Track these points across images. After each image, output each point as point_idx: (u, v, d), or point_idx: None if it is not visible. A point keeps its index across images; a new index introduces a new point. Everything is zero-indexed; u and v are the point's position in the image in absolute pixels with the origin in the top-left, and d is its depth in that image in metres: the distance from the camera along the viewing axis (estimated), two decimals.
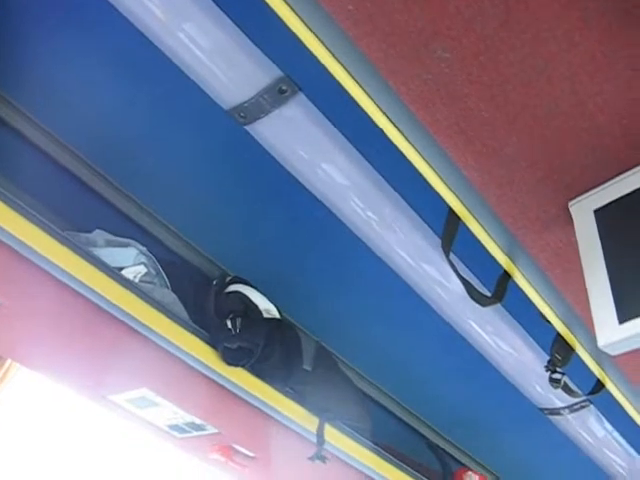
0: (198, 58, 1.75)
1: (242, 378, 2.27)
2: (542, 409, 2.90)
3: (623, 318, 1.49)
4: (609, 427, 3.05)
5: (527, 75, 1.40)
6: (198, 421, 2.43)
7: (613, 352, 1.57)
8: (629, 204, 1.56)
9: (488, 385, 2.89)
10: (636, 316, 1.47)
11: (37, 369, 2.37)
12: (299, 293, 2.64)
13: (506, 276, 1.94)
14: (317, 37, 1.47)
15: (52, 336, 2.13)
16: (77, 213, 2.25)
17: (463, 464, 3.68)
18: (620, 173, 1.59)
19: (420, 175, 1.71)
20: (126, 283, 2.02)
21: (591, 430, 3.02)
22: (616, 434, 3.11)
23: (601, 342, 1.53)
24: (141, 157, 2.27)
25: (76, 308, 1.97)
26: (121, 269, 2.10)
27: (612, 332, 1.51)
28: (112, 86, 2.09)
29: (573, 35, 1.34)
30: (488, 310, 2.34)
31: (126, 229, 2.33)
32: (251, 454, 2.62)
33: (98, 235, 2.21)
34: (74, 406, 2.96)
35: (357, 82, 1.53)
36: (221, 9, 1.70)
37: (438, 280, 2.26)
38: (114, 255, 2.14)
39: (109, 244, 2.20)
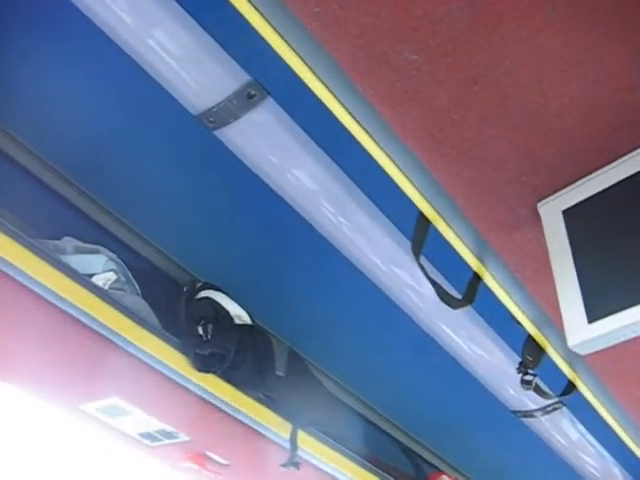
0: (167, 63, 1.74)
1: (214, 385, 2.25)
2: (515, 411, 2.91)
3: (592, 318, 1.51)
4: (582, 429, 3.07)
5: (494, 76, 1.41)
6: (170, 429, 2.41)
7: (583, 352, 1.58)
8: (597, 204, 1.58)
9: (461, 388, 2.90)
10: (605, 315, 1.49)
11: (5, 379, 2.34)
12: (271, 299, 2.63)
13: (476, 278, 1.95)
14: (285, 40, 1.47)
15: (21, 345, 2.10)
16: (45, 220, 2.22)
17: (437, 468, 3.68)
18: (587, 174, 1.61)
19: (390, 178, 1.71)
20: (96, 290, 2.00)
21: (564, 432, 3.04)
22: (589, 436, 3.13)
23: (571, 342, 1.54)
24: (110, 163, 2.25)
25: (45, 316, 1.94)
26: (91, 276, 2.08)
27: (582, 332, 1.52)
28: (79, 91, 2.07)
29: (539, 36, 1.35)
30: (460, 313, 2.35)
31: (95, 236, 2.30)
32: (224, 461, 2.60)
33: (67, 242, 2.18)
34: (47, 418, 2.93)
35: (325, 85, 1.53)
36: (189, 14, 1.70)
37: (410, 284, 2.26)
38: (83, 262, 2.12)
39: (78, 251, 2.17)
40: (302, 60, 1.49)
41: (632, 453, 2.90)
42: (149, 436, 2.49)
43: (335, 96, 1.55)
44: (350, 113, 1.57)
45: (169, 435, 2.46)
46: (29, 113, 2.15)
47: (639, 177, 1.53)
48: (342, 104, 1.55)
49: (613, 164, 1.58)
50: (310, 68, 1.50)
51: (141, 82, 1.81)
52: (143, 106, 2.09)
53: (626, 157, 1.56)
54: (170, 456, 2.66)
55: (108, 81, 2.07)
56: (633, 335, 1.51)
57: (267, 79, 1.77)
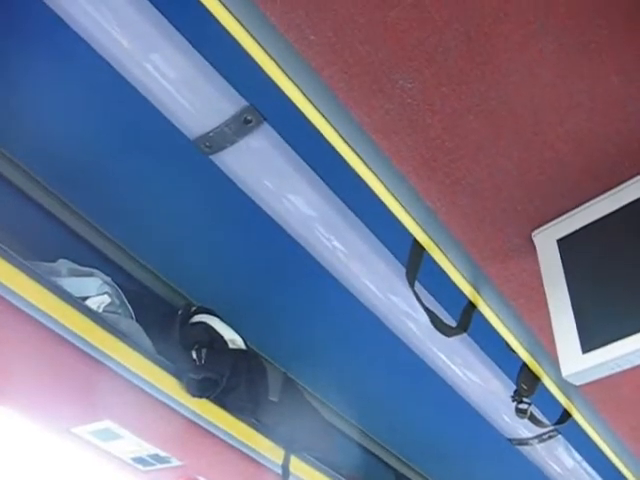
0: (164, 88, 1.75)
1: (207, 409, 2.24)
2: (510, 439, 2.89)
3: (587, 348, 1.50)
4: (578, 457, 3.06)
5: (489, 106, 1.41)
6: (162, 453, 2.39)
7: (577, 382, 1.57)
8: (591, 233, 1.58)
9: (456, 415, 2.89)
10: (600, 346, 1.48)
11: None
12: (265, 324, 2.62)
13: (471, 306, 1.95)
14: (280, 67, 1.47)
15: (13, 367, 2.09)
16: (40, 242, 2.22)
17: None
18: (582, 203, 1.61)
19: (384, 205, 1.71)
20: (90, 313, 1.99)
21: (560, 460, 3.02)
22: (585, 464, 3.11)
23: (565, 372, 1.53)
24: (106, 185, 2.25)
25: (38, 339, 1.93)
26: (85, 299, 2.07)
27: (576, 362, 1.51)
28: (75, 112, 2.07)
29: (533, 67, 1.36)
30: (455, 341, 2.35)
31: (90, 258, 2.29)
32: None
33: (61, 264, 2.17)
34: (38, 442, 2.91)
35: (320, 112, 1.53)
36: (187, 40, 1.71)
37: (404, 311, 2.26)
38: (78, 285, 2.11)
39: (72, 274, 2.16)
40: (297, 87, 1.49)
41: None
42: (141, 460, 2.47)
43: (330, 123, 1.55)
44: (345, 140, 1.57)
45: (162, 460, 2.44)
46: (24, 134, 2.15)
47: (634, 206, 1.53)
48: (337, 131, 1.56)
49: (608, 193, 1.58)
50: (305, 95, 1.51)
51: (138, 106, 1.82)
52: (139, 129, 2.09)
53: (621, 186, 1.56)
54: None
55: (105, 103, 2.08)
56: (628, 365, 1.50)
57: (263, 105, 1.78)
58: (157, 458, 2.43)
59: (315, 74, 1.42)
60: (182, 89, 1.76)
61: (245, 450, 2.38)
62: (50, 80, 2.03)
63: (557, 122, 1.44)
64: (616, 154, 1.51)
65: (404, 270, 1.91)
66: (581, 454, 3.05)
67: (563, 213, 1.63)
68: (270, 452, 2.43)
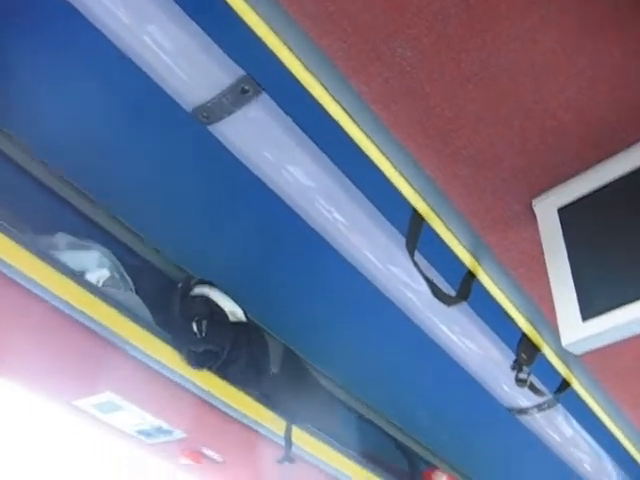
0: (161, 59, 1.74)
1: (208, 382, 2.25)
2: (510, 409, 2.91)
3: (586, 316, 1.50)
4: (576, 426, 3.07)
5: (489, 74, 1.40)
6: (166, 426, 2.41)
7: (577, 351, 1.58)
8: (592, 202, 1.57)
9: (456, 385, 2.90)
10: (599, 314, 1.48)
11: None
12: (266, 296, 2.62)
13: (471, 275, 1.95)
14: (278, 36, 1.46)
15: (14, 341, 2.10)
16: (39, 216, 2.21)
17: (432, 464, 3.68)
18: (583, 171, 1.60)
19: (384, 175, 1.71)
20: (89, 287, 2.00)
21: (559, 429, 3.04)
22: (583, 433, 3.13)
23: (565, 341, 1.53)
24: (104, 159, 2.24)
25: (38, 312, 1.94)
26: (84, 273, 2.07)
27: (576, 331, 1.52)
28: (72, 87, 2.06)
29: (535, 34, 1.34)
30: (455, 310, 2.35)
31: (89, 232, 2.29)
32: (220, 458, 2.60)
33: (60, 238, 2.17)
34: (42, 415, 2.93)
35: (319, 81, 1.52)
36: (184, 11, 1.69)
37: (404, 281, 2.26)
38: (77, 258, 2.11)
39: (71, 247, 2.16)
40: (296, 56, 1.48)
41: (626, 450, 2.90)
42: (145, 433, 2.49)
43: (329, 93, 1.54)
44: (344, 110, 1.56)
45: (165, 432, 2.46)
46: (22, 110, 2.14)
47: (635, 174, 1.52)
48: (336, 100, 1.55)
49: (608, 161, 1.57)
50: (304, 64, 1.49)
51: (135, 78, 1.80)
52: (137, 102, 2.08)
53: (622, 154, 1.55)
54: (166, 452, 2.66)
55: (101, 77, 2.06)
56: (627, 334, 1.50)
57: (261, 75, 1.76)
58: (160, 430, 2.45)
59: (313, 43, 1.41)
60: (179, 60, 1.74)
61: (247, 422, 2.40)
62: (46, 55, 2.02)
63: (558, 90, 1.43)
64: (617, 122, 1.50)
65: (404, 241, 1.90)
66: (580, 423, 3.07)
67: (563, 181, 1.63)
68: (272, 423, 2.44)
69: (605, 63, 1.39)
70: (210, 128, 1.86)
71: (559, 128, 1.51)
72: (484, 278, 1.95)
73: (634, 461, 3.03)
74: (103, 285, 2.11)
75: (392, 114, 1.48)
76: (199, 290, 2.34)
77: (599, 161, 1.58)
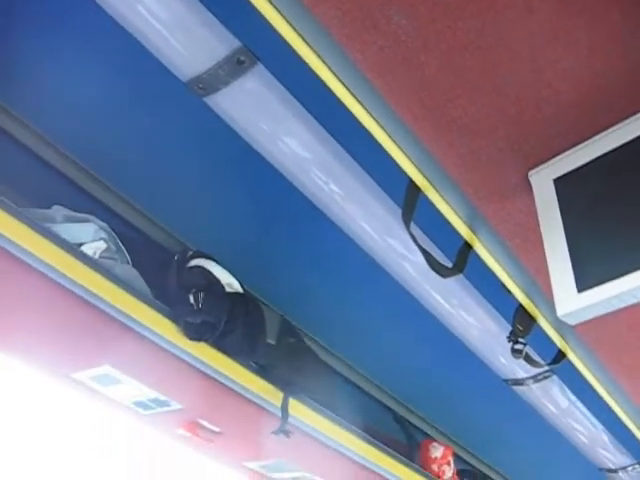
0: (156, 30, 1.73)
1: (205, 353, 2.25)
2: (506, 380, 2.93)
3: (582, 287, 1.51)
4: (572, 397, 3.10)
5: (486, 43, 1.39)
6: (162, 397, 2.42)
7: (572, 321, 1.58)
8: (588, 173, 1.57)
9: (453, 357, 2.92)
10: (595, 285, 1.49)
11: None
12: (262, 267, 2.62)
13: (467, 247, 1.95)
14: (273, 5, 1.45)
15: (11, 314, 2.10)
16: (34, 189, 2.20)
17: (429, 435, 3.71)
18: (579, 142, 1.60)
19: (380, 146, 1.70)
20: (86, 259, 1.99)
21: (554, 400, 3.06)
22: (579, 404, 3.15)
23: (560, 311, 1.54)
24: (99, 131, 2.23)
25: (35, 285, 1.94)
26: (80, 245, 2.07)
27: (571, 301, 1.52)
28: (68, 58, 2.05)
29: (531, 2, 1.33)
30: (451, 282, 2.35)
31: (85, 204, 2.28)
32: (217, 429, 2.62)
33: (56, 211, 2.16)
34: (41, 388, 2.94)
35: (314, 51, 1.51)
36: None
37: (401, 252, 2.26)
38: (73, 231, 2.10)
39: (68, 220, 2.15)
40: (290, 25, 1.47)
41: (620, 420, 2.92)
42: (142, 404, 2.50)
43: (324, 62, 1.53)
44: (340, 80, 1.55)
45: (162, 403, 2.47)
46: (16, 81, 2.12)
47: (632, 145, 1.52)
48: (332, 70, 1.53)
49: (605, 132, 1.57)
50: (298, 33, 1.48)
51: (131, 49, 1.79)
52: (133, 73, 2.07)
53: (619, 125, 1.55)
54: (163, 424, 2.67)
55: (97, 48, 2.05)
56: (623, 305, 1.51)
57: (256, 45, 1.75)
58: (157, 401, 2.46)
59: (307, 11, 1.39)
60: (174, 31, 1.73)
61: (244, 393, 2.41)
62: (40, 25, 2.00)
63: (554, 59, 1.42)
64: (614, 92, 1.49)
65: (400, 211, 1.90)
66: (575, 394, 3.09)
67: (560, 153, 1.62)
68: (269, 394, 2.45)
69: (602, 32, 1.38)
70: (206, 100, 1.85)
71: (555, 98, 1.50)
72: (480, 249, 1.95)
73: (629, 431, 3.05)
74: (100, 257, 2.10)
75: (387, 83, 1.47)
76: (195, 262, 2.33)
77: (596, 132, 1.57)
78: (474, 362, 2.80)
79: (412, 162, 1.71)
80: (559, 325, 2.25)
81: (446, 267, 1.97)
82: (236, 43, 1.74)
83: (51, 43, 2.03)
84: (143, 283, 2.19)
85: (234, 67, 1.76)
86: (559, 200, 1.59)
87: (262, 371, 2.44)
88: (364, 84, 1.50)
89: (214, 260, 2.37)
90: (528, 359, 2.41)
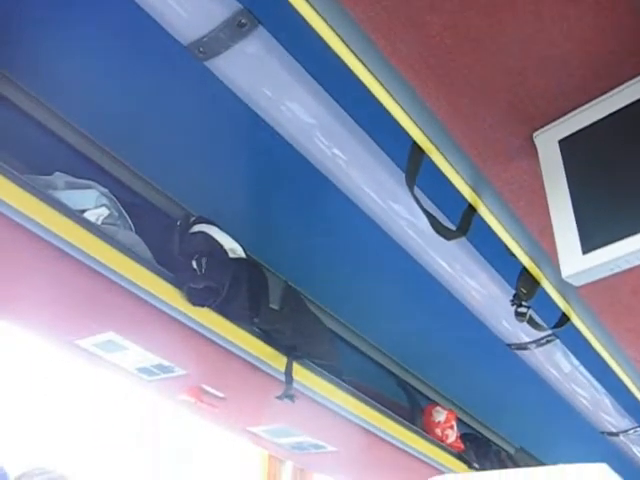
0: None
1: (208, 318, 2.26)
2: (509, 344, 2.93)
3: (587, 248, 1.50)
4: (575, 361, 3.11)
5: (490, 1, 1.36)
6: (166, 363, 2.43)
7: (577, 283, 1.58)
8: (593, 134, 1.55)
9: (456, 321, 2.92)
10: (600, 246, 1.48)
11: (1, 318, 2.34)
12: (265, 232, 2.62)
13: (471, 209, 1.93)
14: None
15: (14, 282, 2.10)
16: (35, 156, 2.19)
17: (432, 400, 3.74)
18: (585, 102, 1.58)
19: (383, 108, 1.68)
20: (88, 225, 1.99)
21: (557, 364, 3.07)
22: (582, 368, 3.17)
23: (565, 273, 1.54)
24: (100, 97, 2.21)
25: (37, 252, 1.94)
26: (83, 212, 2.07)
27: (576, 262, 1.52)
28: (67, 25, 2.02)
29: None
30: (454, 246, 2.35)
31: (87, 171, 2.27)
32: (221, 394, 2.63)
33: (58, 178, 2.15)
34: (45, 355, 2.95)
35: (317, 12, 1.48)
36: None
37: (405, 218, 2.26)
38: (75, 197, 2.10)
39: (69, 186, 2.15)
40: None
41: (624, 384, 2.93)
42: (146, 370, 2.51)
43: (327, 24, 1.50)
44: (342, 40, 1.52)
45: (165, 369, 2.48)
46: (17, 50, 2.10)
47: (638, 105, 1.50)
48: (334, 31, 1.51)
49: (612, 92, 1.54)
50: None
51: (129, 12, 1.77)
52: (132, 37, 2.04)
53: (625, 84, 1.52)
54: (167, 390, 2.69)
55: (95, 13, 2.02)
56: (627, 266, 1.50)
57: (258, 8, 1.72)
58: (161, 368, 2.47)
59: None
60: None
61: (248, 358, 2.42)
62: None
63: (561, 17, 1.39)
64: (621, 51, 1.47)
65: (403, 176, 1.89)
66: (579, 359, 3.10)
67: (565, 113, 1.60)
68: (272, 359, 2.46)
69: None
70: (207, 64, 1.83)
71: (561, 58, 1.48)
72: (484, 212, 1.94)
73: (631, 395, 3.07)
74: (102, 224, 2.10)
75: (390, 43, 1.45)
76: (198, 228, 2.33)
77: (602, 92, 1.55)
78: (477, 326, 2.81)
79: (416, 124, 1.70)
80: (563, 288, 2.25)
81: (450, 229, 1.96)
82: (237, 5, 1.72)
83: (47, 8, 2.00)
84: (146, 249, 2.19)
85: (235, 30, 1.74)
86: (564, 161, 1.57)
87: (266, 336, 2.44)
88: (368, 45, 1.48)
89: (217, 226, 2.37)
90: (532, 322, 2.42)
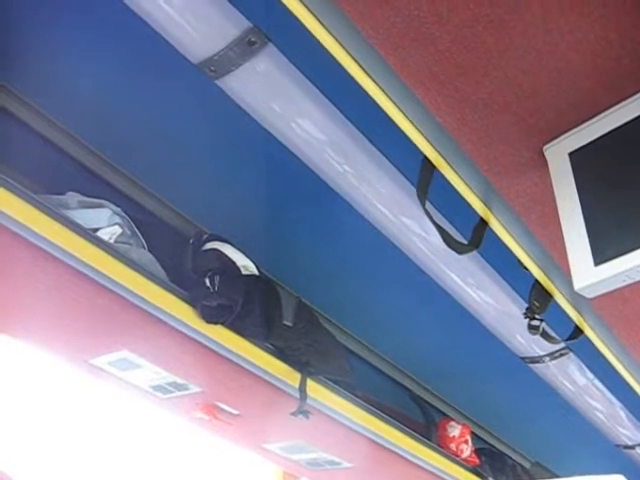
0: (166, 12, 1.72)
1: (222, 336, 2.26)
2: (523, 358, 2.93)
3: (599, 260, 1.50)
4: (589, 374, 3.10)
5: (498, 15, 1.37)
6: (180, 380, 2.43)
7: (589, 295, 1.58)
8: (603, 146, 1.56)
9: (469, 336, 2.92)
10: (611, 258, 1.48)
11: (15, 335, 2.35)
12: (277, 249, 2.63)
13: (482, 223, 1.94)
14: None
15: (29, 301, 2.11)
16: (48, 175, 2.21)
17: (446, 414, 3.72)
18: (594, 115, 1.58)
19: (393, 123, 1.69)
20: (102, 244, 2.00)
21: (571, 377, 3.06)
22: (596, 381, 3.15)
23: (577, 285, 1.54)
24: (112, 115, 2.23)
25: (51, 272, 1.95)
26: (96, 230, 2.08)
27: (588, 274, 1.52)
28: (79, 43, 2.05)
29: None
30: (467, 260, 2.35)
31: (99, 190, 2.29)
32: (235, 411, 2.63)
33: (71, 197, 2.17)
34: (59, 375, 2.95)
35: (326, 29, 1.50)
36: None
37: (417, 232, 2.26)
38: (88, 216, 2.11)
39: (82, 205, 2.16)
40: (301, 3, 1.46)
41: (638, 396, 2.92)
42: (160, 388, 2.51)
43: (336, 40, 1.52)
44: (352, 56, 1.54)
45: (180, 387, 2.48)
46: (29, 68, 2.12)
47: None
48: (344, 48, 1.53)
49: (621, 104, 1.55)
50: (310, 11, 1.47)
51: (140, 32, 1.79)
52: (144, 56, 2.07)
53: (635, 97, 1.53)
54: (182, 407, 2.69)
55: (107, 32, 2.05)
56: (639, 277, 1.50)
57: (267, 25, 1.74)
58: (175, 385, 2.47)
59: None
60: (184, 12, 1.73)
61: (261, 374, 2.42)
62: (49, 11, 2.00)
63: (569, 30, 1.40)
64: (629, 63, 1.48)
65: (415, 190, 1.90)
66: (593, 371, 3.09)
67: (575, 126, 1.61)
68: (286, 376, 2.46)
69: (616, 2, 1.36)
70: (218, 82, 1.85)
71: (570, 70, 1.49)
72: (496, 225, 1.95)
73: None
74: (115, 242, 2.11)
75: (400, 59, 1.47)
76: (211, 245, 2.34)
77: (611, 105, 1.56)
78: (491, 340, 2.80)
79: (426, 139, 1.71)
80: (575, 301, 2.25)
81: (462, 243, 1.97)
82: (246, 24, 1.74)
83: (62, 28, 2.03)
84: (159, 267, 2.19)
85: (245, 48, 1.76)
86: (574, 174, 1.58)
87: (279, 353, 2.44)
88: (377, 61, 1.50)
89: (229, 243, 2.38)
90: (545, 335, 2.41)
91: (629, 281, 1.51)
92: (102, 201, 2.20)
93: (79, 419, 3.13)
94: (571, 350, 2.86)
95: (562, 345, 2.73)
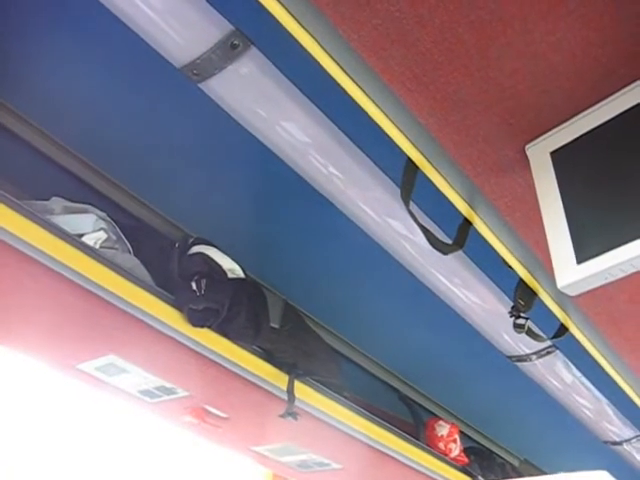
0: (148, 16, 1.72)
1: (209, 339, 2.27)
2: (510, 357, 2.94)
3: (581, 258, 1.51)
4: (576, 372, 3.11)
5: (478, 16, 1.38)
6: (168, 385, 2.43)
7: (572, 292, 1.59)
8: (585, 144, 1.57)
9: (456, 335, 2.93)
10: (594, 256, 1.49)
11: (2, 343, 2.35)
12: (263, 252, 2.63)
13: (466, 223, 1.95)
14: None
15: (14, 307, 2.10)
16: (32, 181, 2.21)
17: (434, 414, 3.73)
18: (575, 114, 1.59)
19: (377, 125, 1.70)
20: (87, 250, 2.00)
21: (558, 375, 3.08)
22: (583, 379, 3.17)
23: (560, 283, 1.55)
24: (96, 120, 2.23)
25: (36, 277, 1.94)
26: (81, 236, 2.07)
27: (571, 272, 1.53)
28: (62, 48, 2.04)
29: None
30: (452, 260, 2.36)
31: (84, 195, 2.29)
32: (224, 414, 2.63)
33: (55, 202, 2.17)
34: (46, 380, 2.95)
35: (308, 32, 1.50)
36: None
37: (402, 234, 2.27)
38: (73, 222, 2.10)
39: (67, 211, 2.16)
40: (283, 7, 1.47)
41: (625, 393, 2.93)
42: (148, 393, 2.51)
43: (319, 43, 1.52)
44: (334, 59, 1.54)
45: (168, 391, 2.48)
46: (11, 74, 2.12)
47: (627, 115, 1.51)
48: (325, 50, 1.53)
49: (601, 103, 1.56)
50: (292, 15, 1.48)
51: (123, 37, 1.79)
52: (127, 61, 2.07)
53: (614, 96, 1.54)
54: (170, 412, 2.69)
55: (90, 38, 2.05)
56: (622, 274, 1.51)
57: (250, 28, 1.75)
58: (163, 390, 2.47)
59: None
60: (166, 16, 1.72)
61: (249, 377, 2.42)
62: (33, 16, 2.00)
63: (549, 31, 1.42)
64: (609, 62, 1.49)
65: (399, 192, 1.90)
66: (579, 369, 3.10)
67: (556, 125, 1.62)
68: (274, 378, 2.46)
69: (595, 2, 1.37)
70: (201, 86, 1.85)
71: (550, 70, 1.50)
72: (480, 225, 1.95)
73: (633, 404, 3.07)
74: (100, 247, 2.11)
75: (382, 61, 1.47)
76: (197, 249, 2.34)
77: (592, 104, 1.57)
78: (477, 339, 2.81)
79: (409, 140, 1.71)
80: (560, 299, 2.26)
81: (446, 244, 1.97)
82: (229, 27, 1.74)
83: (45, 34, 2.03)
84: (145, 272, 2.19)
85: (228, 51, 1.76)
86: (556, 173, 1.59)
87: (267, 355, 2.45)
88: (359, 63, 1.50)
89: (215, 246, 2.38)
90: (530, 333, 2.43)
91: (611, 279, 1.52)
92: (87, 206, 2.20)
93: (70, 425, 3.12)
94: (557, 348, 2.87)
95: (548, 343, 2.74)
